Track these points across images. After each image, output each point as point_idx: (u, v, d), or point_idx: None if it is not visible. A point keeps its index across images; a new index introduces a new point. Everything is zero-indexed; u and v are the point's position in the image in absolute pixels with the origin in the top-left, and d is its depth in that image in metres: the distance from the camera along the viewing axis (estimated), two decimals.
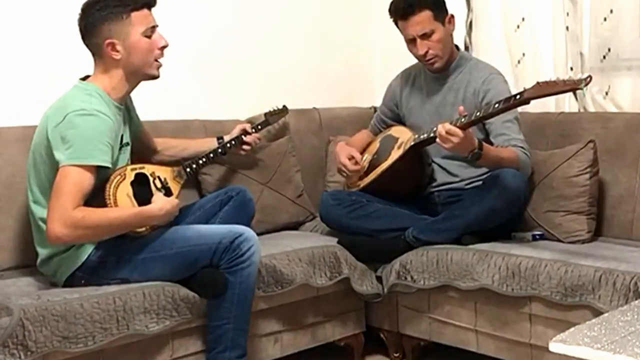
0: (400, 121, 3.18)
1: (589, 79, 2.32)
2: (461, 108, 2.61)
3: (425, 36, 2.89)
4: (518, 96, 2.49)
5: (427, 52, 2.91)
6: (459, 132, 2.54)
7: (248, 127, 3.02)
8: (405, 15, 2.90)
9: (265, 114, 3.21)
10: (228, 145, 2.93)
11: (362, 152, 3.16)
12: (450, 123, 2.57)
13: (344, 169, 3.08)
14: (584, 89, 2.35)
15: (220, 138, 2.96)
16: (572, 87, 2.36)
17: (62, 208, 2.21)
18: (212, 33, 3.38)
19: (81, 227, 2.24)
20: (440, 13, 2.91)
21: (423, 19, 2.88)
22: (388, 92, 3.23)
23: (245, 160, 3.13)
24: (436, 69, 3.00)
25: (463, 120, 2.58)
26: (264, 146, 3.23)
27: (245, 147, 3.01)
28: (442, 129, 2.56)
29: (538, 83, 2.44)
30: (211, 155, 2.84)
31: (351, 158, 3.07)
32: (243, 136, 2.98)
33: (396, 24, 2.97)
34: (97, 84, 2.40)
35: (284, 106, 3.28)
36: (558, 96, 3.25)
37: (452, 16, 2.96)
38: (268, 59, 3.57)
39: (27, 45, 2.85)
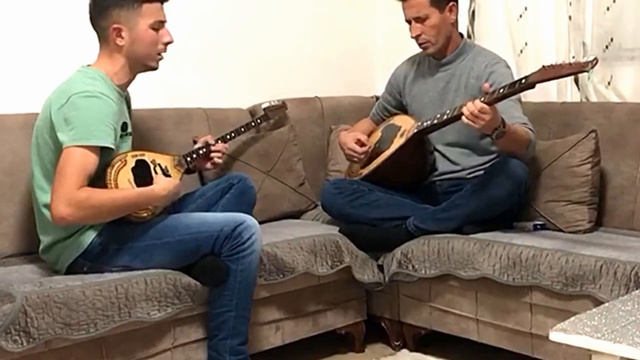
0: (402, 109, 3.18)
1: (595, 61, 2.30)
2: (487, 85, 2.57)
3: (420, 20, 2.90)
4: (524, 80, 2.48)
5: (419, 35, 2.93)
6: (489, 109, 2.50)
7: (211, 138, 2.80)
8: None
9: (265, 109, 3.20)
10: (195, 155, 2.71)
11: None
12: (480, 100, 2.51)
13: (354, 153, 3.07)
14: (590, 71, 2.33)
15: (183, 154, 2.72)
16: (579, 69, 2.35)
17: (66, 188, 2.22)
18: (214, 21, 3.37)
19: (85, 207, 2.24)
20: (440, 0, 2.90)
21: (419, 3, 2.89)
22: (392, 80, 3.23)
23: (247, 149, 3.13)
24: (430, 54, 3.00)
25: (490, 96, 2.52)
26: (266, 135, 3.24)
27: (215, 156, 2.78)
28: (472, 107, 2.50)
29: (543, 66, 2.43)
30: (209, 146, 2.80)
31: (357, 141, 3.07)
32: (204, 149, 2.75)
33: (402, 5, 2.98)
34: (100, 69, 2.41)
35: (283, 102, 3.28)
36: (560, 85, 3.26)
37: (455, 5, 2.96)
38: (270, 47, 3.56)
39: (29, 33, 2.85)
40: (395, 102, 3.20)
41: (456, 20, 3.01)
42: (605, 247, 2.52)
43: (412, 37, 2.96)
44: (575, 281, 2.41)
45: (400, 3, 2.96)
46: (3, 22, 2.80)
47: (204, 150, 2.77)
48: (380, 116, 3.25)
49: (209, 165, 2.82)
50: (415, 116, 3.05)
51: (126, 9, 2.37)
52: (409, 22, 2.95)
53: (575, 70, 2.37)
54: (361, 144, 3.06)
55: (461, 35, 3.06)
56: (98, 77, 2.38)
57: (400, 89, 3.17)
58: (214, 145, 2.79)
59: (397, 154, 2.94)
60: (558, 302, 2.48)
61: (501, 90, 2.53)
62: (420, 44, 2.96)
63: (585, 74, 2.38)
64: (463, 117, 2.54)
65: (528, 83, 2.47)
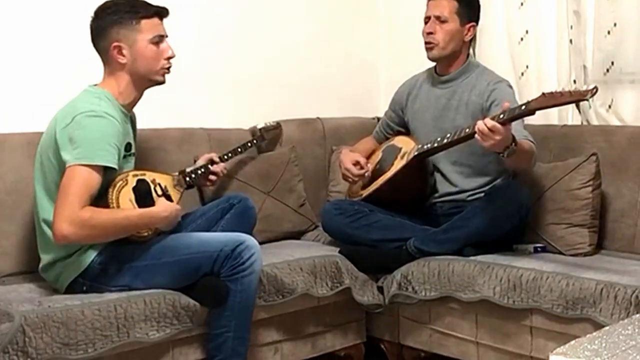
0: (405, 126, 3.18)
1: (595, 89, 2.30)
2: (506, 104, 2.54)
3: (439, 20, 2.94)
4: (524, 106, 2.48)
5: (430, 33, 2.95)
6: (502, 128, 2.47)
7: (215, 156, 2.84)
8: None
9: (260, 129, 3.23)
10: (193, 175, 2.72)
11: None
12: (492, 118, 2.48)
13: (348, 174, 3.08)
14: (590, 100, 2.33)
15: (182, 171, 2.72)
16: (578, 98, 2.35)
17: (69, 207, 2.22)
18: (217, 42, 3.39)
19: (88, 226, 2.24)
20: (465, 13, 2.95)
21: (445, 5, 2.94)
22: (395, 97, 3.23)
23: (248, 169, 3.14)
24: (431, 58, 3.00)
25: (502, 116, 2.49)
26: (267, 155, 3.25)
27: (212, 177, 2.81)
28: (483, 126, 2.47)
29: (543, 94, 2.43)
30: (208, 166, 2.82)
31: (356, 163, 3.07)
32: (210, 165, 2.80)
33: (426, 5, 3.02)
34: (105, 89, 2.43)
35: (278, 123, 3.31)
36: (561, 109, 3.26)
37: (474, 27, 3.00)
38: (272, 68, 3.58)
39: (33, 53, 2.86)
40: (398, 119, 3.21)
41: (470, 42, 3.03)
42: (606, 270, 2.51)
43: (424, 33, 2.98)
44: (575, 304, 2.41)
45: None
46: (8, 41, 2.81)
47: (203, 170, 2.78)
48: (383, 134, 3.25)
49: (207, 182, 2.85)
50: (416, 133, 3.06)
51: (125, 26, 2.39)
52: (427, 19, 2.98)
53: (575, 99, 2.37)
54: (360, 167, 3.06)
55: (468, 55, 3.06)
56: (103, 97, 2.39)
57: (402, 106, 3.18)
58: (217, 164, 2.82)
59: (396, 176, 2.94)
60: (558, 325, 2.47)
61: (501, 116, 2.50)
62: (427, 42, 2.98)
63: (586, 102, 2.36)
64: (476, 135, 2.53)
65: (528, 110, 2.46)
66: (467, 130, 2.66)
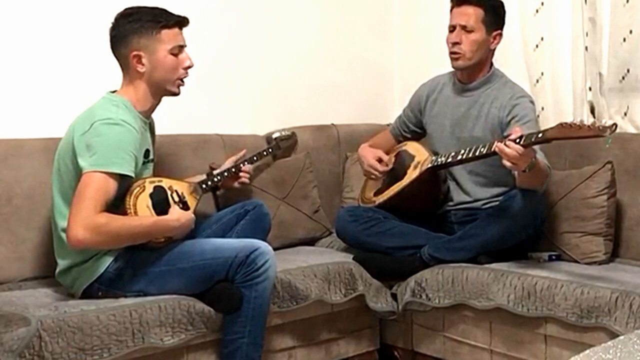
0: (421, 127, 3.16)
1: (614, 127, 2.26)
2: (518, 129, 2.53)
3: (464, 29, 2.88)
4: (540, 134, 2.45)
5: (456, 43, 2.89)
6: (524, 150, 2.45)
7: (243, 155, 2.89)
8: (460, 3, 2.91)
9: (276, 139, 3.24)
10: (210, 182, 2.76)
11: None
12: (517, 142, 2.45)
13: (373, 171, 3.07)
14: (608, 139, 2.30)
15: (209, 174, 2.84)
16: (596, 134, 2.29)
17: (85, 212, 2.23)
18: (232, 48, 3.41)
19: (103, 232, 2.26)
20: (492, 21, 2.90)
21: (471, 13, 2.88)
22: (415, 96, 3.20)
23: (262, 176, 3.15)
24: (457, 67, 2.96)
25: (518, 141, 2.46)
26: (282, 162, 3.26)
27: (244, 180, 2.90)
28: (513, 151, 2.43)
29: (561, 124, 2.38)
30: (225, 173, 2.85)
31: (379, 160, 3.07)
32: (233, 169, 2.87)
33: (450, 11, 2.96)
34: (124, 96, 2.44)
35: (293, 132, 3.33)
36: (576, 115, 3.24)
37: (500, 35, 2.95)
38: (287, 75, 3.59)
39: (50, 58, 2.89)
40: (415, 120, 3.18)
41: (494, 51, 2.98)
42: (621, 279, 2.50)
43: (448, 42, 2.93)
44: (590, 313, 2.40)
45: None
46: (26, 47, 2.84)
47: (219, 177, 2.81)
48: (400, 131, 3.23)
49: (236, 184, 2.89)
50: (432, 137, 3.06)
51: (145, 36, 2.41)
52: (452, 27, 2.92)
53: (592, 134, 2.31)
54: (384, 164, 3.05)
55: (491, 64, 3.03)
56: (121, 105, 2.41)
57: (421, 107, 3.15)
58: (245, 165, 2.88)
59: (409, 186, 2.94)
60: (573, 333, 2.46)
61: (518, 141, 2.47)
62: (452, 53, 2.92)
63: (605, 137, 2.29)
64: (504, 161, 2.49)
65: (545, 138, 2.43)
66: (483, 150, 2.65)
